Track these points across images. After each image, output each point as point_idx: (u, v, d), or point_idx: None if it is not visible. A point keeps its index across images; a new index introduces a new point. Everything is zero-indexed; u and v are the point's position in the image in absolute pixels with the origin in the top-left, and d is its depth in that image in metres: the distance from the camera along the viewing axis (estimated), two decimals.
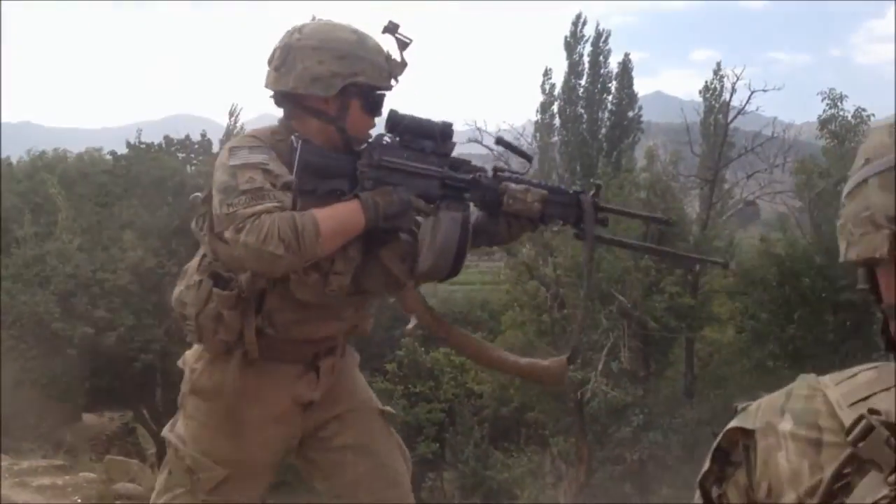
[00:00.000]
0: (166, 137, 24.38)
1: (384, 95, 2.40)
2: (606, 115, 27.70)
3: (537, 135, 26.62)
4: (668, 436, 15.26)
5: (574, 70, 27.87)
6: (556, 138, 27.18)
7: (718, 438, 1.24)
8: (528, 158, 2.63)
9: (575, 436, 16.69)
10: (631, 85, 28.55)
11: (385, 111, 2.40)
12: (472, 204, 2.42)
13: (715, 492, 1.24)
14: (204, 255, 2.39)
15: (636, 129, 27.76)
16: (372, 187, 2.29)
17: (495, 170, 2.44)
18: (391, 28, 2.36)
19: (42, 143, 35.26)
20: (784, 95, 22.07)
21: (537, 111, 27.98)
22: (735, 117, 20.28)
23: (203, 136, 25.34)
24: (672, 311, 15.79)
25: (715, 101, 22.99)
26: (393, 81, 2.38)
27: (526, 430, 19.10)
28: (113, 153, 24.34)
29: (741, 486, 1.18)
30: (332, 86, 2.29)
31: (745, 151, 20.35)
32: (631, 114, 28.02)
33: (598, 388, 15.15)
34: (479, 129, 19.78)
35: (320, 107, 2.33)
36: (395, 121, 2.36)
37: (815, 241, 16.02)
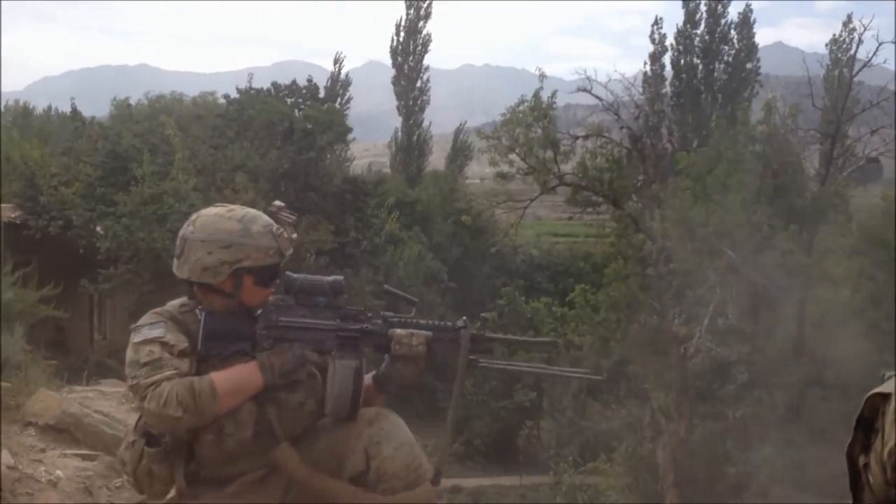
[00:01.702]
0: (275, 83, 24.78)
1: (277, 267, 2.67)
2: (723, 66, 26.77)
3: (645, 85, 25.95)
4: (774, 395, 14.89)
5: (691, 19, 26.97)
6: (666, 89, 26.45)
7: (861, 406, 1.17)
8: (413, 303, 2.74)
9: (676, 391, 16.42)
10: (751, 35, 27.50)
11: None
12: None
13: (862, 460, 1.19)
14: (140, 417, 2.66)
15: (754, 81, 26.79)
16: (271, 346, 2.59)
17: (384, 316, 2.66)
18: (274, 211, 2.71)
19: (158, 86, 36.45)
20: None
21: (645, 62, 27.30)
22: (860, 70, 19.28)
23: (310, 81, 25.65)
24: (784, 268, 15.27)
25: (842, 53, 21.94)
26: (284, 254, 2.67)
27: (626, 382, 18.89)
28: (226, 97, 24.91)
29: (878, 453, 1.12)
30: (220, 273, 2.60)
31: (870, 106, 19.33)
32: (749, 65, 27.04)
33: (703, 343, 14.83)
34: (588, 78, 19.33)
35: (217, 287, 2.62)
36: (290, 282, 2.68)
37: None
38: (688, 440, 16.13)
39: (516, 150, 19.71)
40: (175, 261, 2.68)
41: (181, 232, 2.69)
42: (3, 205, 18.61)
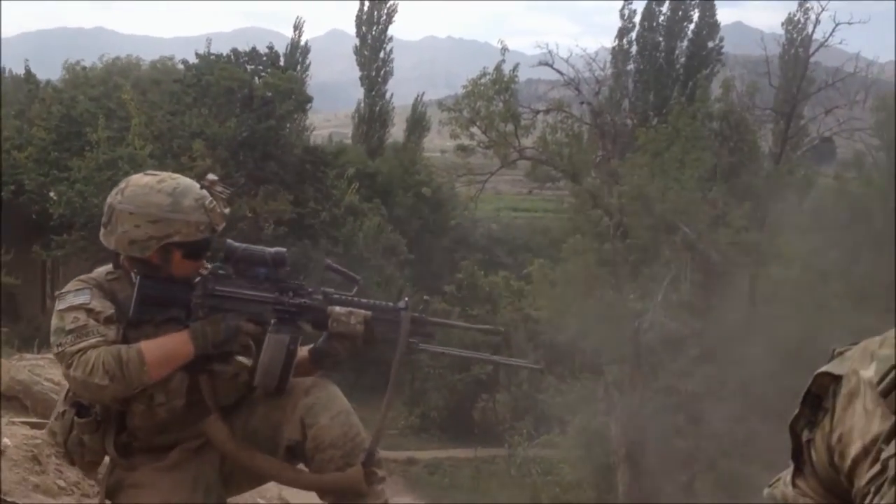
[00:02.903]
0: (235, 50, 24.45)
1: (208, 241, 2.58)
2: (686, 44, 26.93)
3: (612, 61, 25.99)
4: (725, 370, 15.16)
5: None
6: (630, 66, 26.55)
7: (809, 382, 1.19)
8: (356, 281, 2.69)
9: (629, 365, 16.66)
10: (713, 14, 27.66)
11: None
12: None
13: (805, 436, 1.21)
14: (70, 386, 2.59)
15: (715, 59, 26.97)
16: (206, 315, 2.52)
17: (324, 293, 2.61)
18: (207, 185, 2.59)
19: (115, 50, 35.74)
20: (869, 30, 21.13)
21: (615, 37, 27.31)
22: (816, 50, 19.54)
23: (270, 48, 25.33)
24: (737, 246, 15.51)
25: (797, 33, 22.17)
26: (217, 228, 2.57)
27: (581, 356, 19.12)
28: (184, 62, 24.53)
29: (825, 433, 1.14)
30: (147, 247, 2.51)
31: (825, 86, 19.61)
32: (711, 44, 27.19)
33: (657, 318, 15.03)
34: (550, 52, 19.36)
35: (144, 259, 2.53)
36: (230, 252, 2.61)
37: (892, 181, 15.49)
38: (640, 413, 16.39)
39: (477, 123, 19.71)
40: (102, 228, 2.58)
41: (109, 199, 2.58)
42: None
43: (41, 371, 5.78)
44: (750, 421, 14.62)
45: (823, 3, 19.63)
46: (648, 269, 16.09)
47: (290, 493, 3.22)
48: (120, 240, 2.52)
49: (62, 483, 4.44)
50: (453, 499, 15.82)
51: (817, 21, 19.35)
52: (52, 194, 18.83)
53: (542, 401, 21.05)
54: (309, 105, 24.90)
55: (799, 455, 1.30)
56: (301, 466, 2.68)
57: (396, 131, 36.82)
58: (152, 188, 2.53)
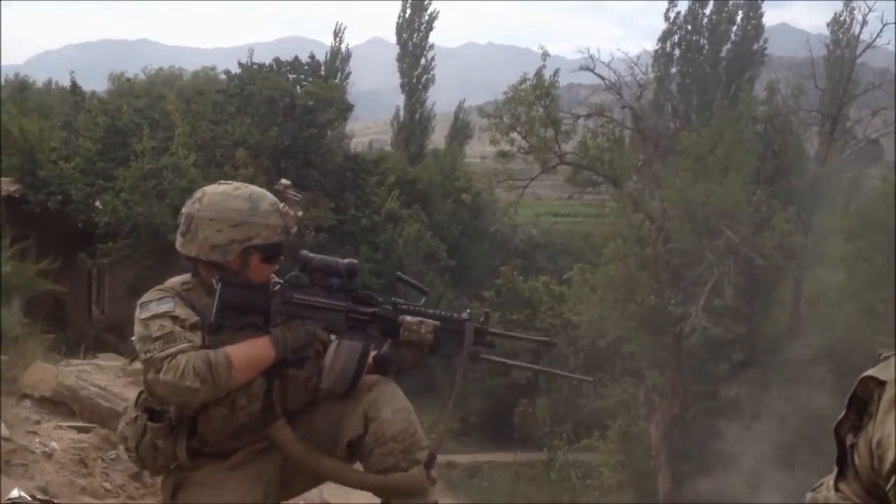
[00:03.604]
0: (276, 59, 24.68)
1: (282, 244, 2.69)
2: (729, 46, 26.61)
3: (655, 65, 25.74)
4: (768, 374, 14.96)
5: None
6: (673, 69, 26.31)
7: (854, 386, 1.19)
8: (424, 292, 2.79)
9: (671, 369, 16.50)
10: (758, 15, 27.30)
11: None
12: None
13: (850, 440, 1.20)
14: (141, 392, 2.68)
15: (759, 61, 26.62)
16: (283, 322, 2.62)
17: (394, 303, 2.71)
18: (280, 189, 2.71)
19: (158, 61, 36.27)
20: None
21: (658, 40, 27.05)
22: (863, 51, 19.23)
23: (312, 57, 25.53)
24: (782, 249, 15.30)
25: (843, 34, 21.83)
26: (290, 231, 2.68)
27: (621, 361, 18.98)
28: (227, 72, 24.82)
29: (869, 437, 1.14)
30: (229, 251, 2.61)
31: (872, 87, 19.30)
32: (756, 46, 26.85)
33: (699, 323, 14.87)
34: (591, 57, 19.30)
35: (224, 264, 2.63)
36: (306, 261, 2.70)
37: None
38: (681, 418, 16.23)
39: (517, 129, 19.69)
40: (179, 237, 2.68)
41: (186, 209, 2.68)
42: (2, 178, 18.59)
43: (87, 377, 5.90)
44: (794, 425, 14.41)
45: (870, 3, 19.31)
46: (690, 274, 15.93)
47: (330, 494, 3.25)
48: (202, 246, 2.62)
49: (108, 486, 4.53)
50: (493, 500, 15.77)
51: (864, 21, 19.08)
52: (97, 203, 19.11)
53: (581, 405, 20.93)
54: (350, 113, 25.03)
55: (843, 459, 1.29)
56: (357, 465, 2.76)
57: (437, 138, 36.86)
58: (230, 195, 2.65)
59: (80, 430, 4.99)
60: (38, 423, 5.07)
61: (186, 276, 2.71)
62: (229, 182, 2.76)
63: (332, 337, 2.70)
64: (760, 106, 19.20)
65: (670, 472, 15.99)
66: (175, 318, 2.51)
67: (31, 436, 4.70)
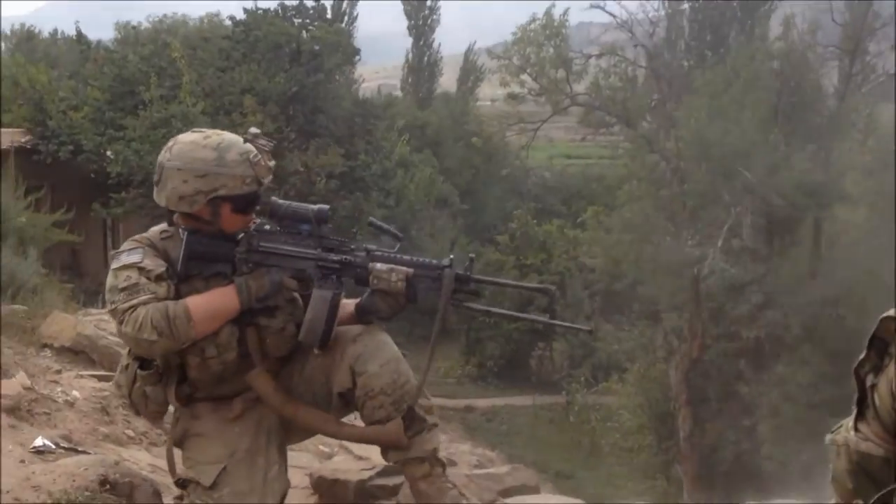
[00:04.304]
0: (282, 3, 24.29)
1: (256, 194, 2.62)
2: None
3: (667, 1, 25.25)
4: (788, 315, 14.88)
5: None
6: (685, 5, 25.77)
7: (875, 327, 1.11)
8: (398, 238, 2.70)
9: (689, 312, 16.44)
10: None
11: None
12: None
13: (870, 380, 1.15)
14: None
15: None
16: (250, 270, 2.59)
17: (367, 249, 2.66)
18: (250, 139, 2.63)
19: (161, 8, 35.93)
20: None
21: None
22: None
23: (317, 1, 25.11)
24: (800, 188, 15.10)
25: None
26: (262, 181, 2.60)
27: (638, 304, 18.95)
28: (232, 18, 24.46)
29: (890, 378, 1.08)
30: (195, 202, 2.57)
31: (892, 21, 18.86)
32: None
33: (717, 264, 14.76)
34: None
35: (195, 214, 2.60)
36: (274, 209, 2.66)
37: None
38: (700, 360, 16.23)
39: (528, 70, 19.44)
40: (154, 187, 2.67)
41: (159, 158, 2.66)
42: (13, 129, 18.50)
43: (106, 326, 5.86)
44: (815, 366, 14.38)
45: None
46: (707, 215, 15.78)
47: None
48: (170, 196, 2.59)
49: (130, 433, 4.50)
50: (512, 444, 15.92)
51: None
52: (108, 153, 19.06)
53: (599, 349, 20.97)
54: (357, 57, 24.72)
55: (863, 400, 1.24)
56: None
57: (445, 81, 36.51)
58: (198, 144, 2.61)
59: (100, 378, 4.95)
60: (58, 372, 5.03)
61: (165, 225, 2.70)
62: (201, 130, 2.70)
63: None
64: (776, 42, 18.84)
65: (690, 414, 16.03)
66: (142, 270, 2.51)
67: (52, 385, 4.66)
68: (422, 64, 35.01)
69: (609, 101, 18.63)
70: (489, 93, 37.79)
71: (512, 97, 20.46)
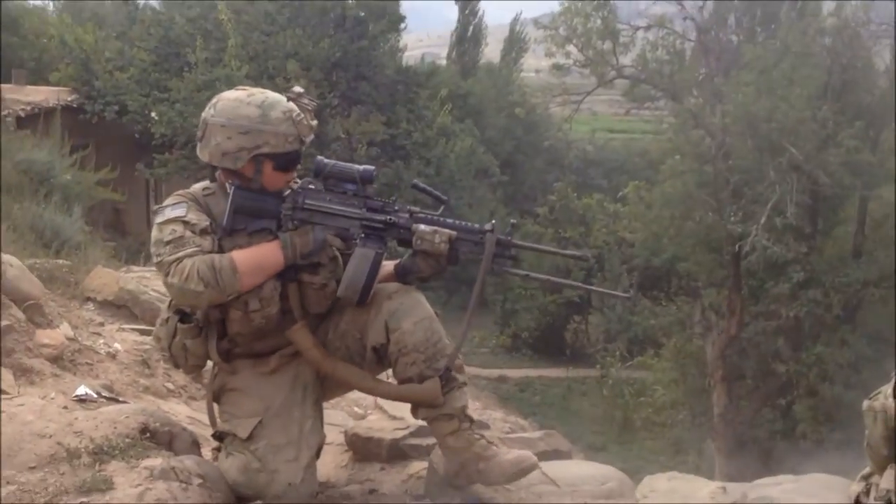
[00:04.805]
0: None
1: (297, 153, 2.68)
2: None
3: None
4: (830, 295, 14.67)
5: None
6: None
7: None
8: (442, 201, 2.74)
9: (728, 289, 16.27)
10: None
11: None
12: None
13: None
14: None
15: None
16: (295, 227, 2.64)
17: (410, 211, 2.70)
18: (293, 97, 2.70)
19: None
20: None
21: None
22: None
23: None
24: (848, 167, 14.80)
25: None
26: (304, 140, 2.67)
27: (677, 280, 18.80)
28: None
29: None
30: (239, 159, 2.62)
31: None
32: None
33: (759, 242, 14.56)
34: None
35: (238, 171, 2.66)
36: (320, 167, 2.70)
37: None
38: (737, 337, 16.09)
39: (574, 42, 19.20)
40: (198, 143, 2.72)
41: (203, 114, 2.71)
42: (59, 88, 18.72)
43: (147, 282, 5.96)
44: (854, 347, 14.19)
45: None
46: (751, 192, 15.53)
47: (385, 400, 3.26)
48: (213, 152, 2.65)
49: (170, 386, 4.59)
50: (544, 415, 15.97)
51: None
52: (153, 114, 19.22)
53: (635, 323, 20.87)
54: (403, 25, 24.60)
55: None
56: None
57: (490, 52, 36.27)
58: (242, 101, 2.66)
59: (141, 332, 5.05)
60: (101, 325, 5.13)
61: (207, 182, 2.77)
62: (245, 88, 2.74)
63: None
64: (829, 18, 18.40)
65: (725, 390, 15.92)
66: (186, 223, 2.57)
67: (95, 337, 4.76)
68: (466, 33, 34.81)
69: (655, 75, 18.36)
70: (534, 63, 37.50)
71: (557, 68, 20.23)
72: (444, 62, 34.76)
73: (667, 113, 19.77)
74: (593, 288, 3.78)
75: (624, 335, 21.97)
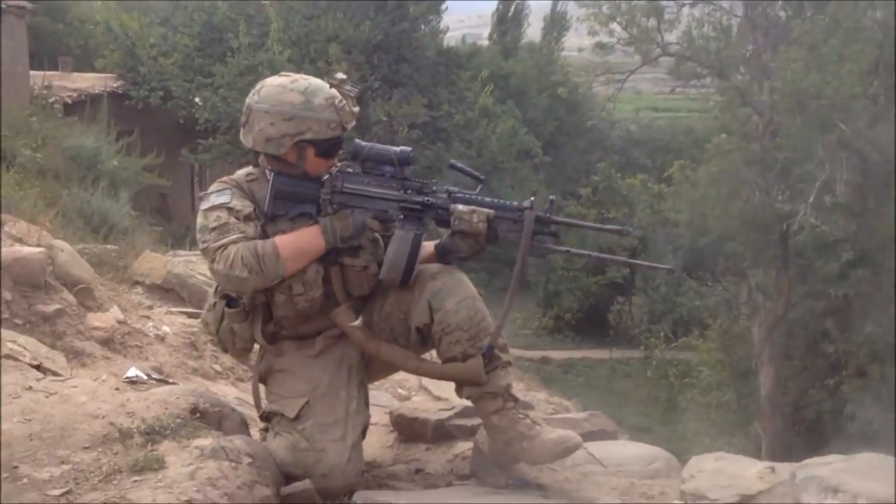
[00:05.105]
0: None
1: (339, 139, 2.72)
2: None
3: None
4: (880, 274, 14.38)
5: None
6: None
7: None
8: (479, 180, 2.75)
9: (776, 269, 16.03)
10: None
11: None
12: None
13: None
14: None
15: None
16: (334, 211, 2.68)
17: (448, 191, 2.71)
18: (335, 84, 2.72)
19: None
20: None
21: None
22: None
23: None
24: None
25: None
26: (346, 126, 2.70)
27: (723, 260, 18.57)
28: None
29: None
30: (282, 145, 2.67)
31: None
32: None
33: (807, 221, 14.31)
34: None
35: (281, 157, 2.70)
36: (357, 150, 2.73)
37: None
38: (785, 318, 15.86)
39: (617, 19, 18.98)
40: (241, 129, 2.76)
41: (247, 100, 2.75)
42: (106, 75, 18.98)
43: (194, 266, 6.05)
44: None
45: None
46: (800, 170, 15.26)
47: (430, 381, 3.29)
48: (257, 138, 2.70)
49: (218, 368, 4.66)
50: (588, 397, 15.90)
51: None
52: (197, 100, 19.41)
53: (680, 304, 20.69)
54: (444, 6, 24.51)
55: None
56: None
57: (532, 31, 36.00)
58: (285, 87, 2.70)
59: (189, 315, 5.13)
60: (150, 308, 5.22)
61: (251, 168, 2.81)
62: (288, 74, 2.78)
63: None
64: None
65: (772, 371, 15.72)
66: (230, 210, 2.61)
67: (144, 320, 4.85)
68: (508, 13, 34.58)
69: (701, 52, 18.08)
70: (576, 42, 37.17)
71: (600, 46, 20.03)
72: (485, 43, 34.59)
73: (713, 91, 19.49)
74: (634, 261, 3.78)
75: (669, 316, 21.79)
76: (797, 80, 14.78)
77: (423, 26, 22.87)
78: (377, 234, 2.77)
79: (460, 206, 2.67)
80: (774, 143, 15.71)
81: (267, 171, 2.73)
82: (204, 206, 2.66)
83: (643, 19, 18.26)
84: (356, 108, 2.76)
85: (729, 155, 16.31)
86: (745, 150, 16.21)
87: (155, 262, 6.00)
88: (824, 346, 15.18)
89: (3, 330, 3.60)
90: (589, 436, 3.04)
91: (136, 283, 5.77)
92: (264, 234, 2.64)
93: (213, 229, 2.58)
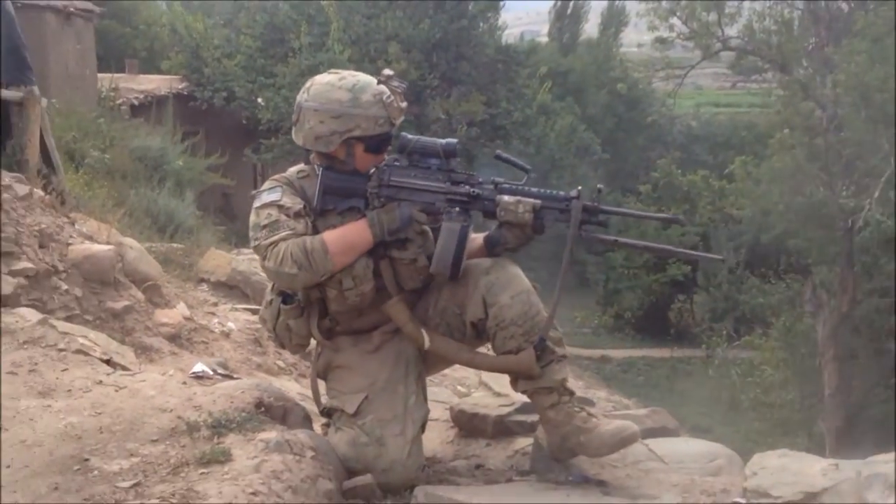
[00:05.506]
0: None
1: (388, 135, 2.74)
2: None
3: None
4: None
5: None
6: None
7: None
8: (526, 171, 2.76)
9: (840, 265, 15.69)
10: None
11: None
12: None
13: None
14: None
15: None
16: (381, 205, 2.70)
17: (494, 182, 2.71)
18: (383, 80, 2.73)
19: None
20: None
21: None
22: None
23: None
24: None
25: None
26: (394, 122, 2.72)
27: (786, 257, 18.21)
28: None
29: None
30: (331, 142, 2.71)
31: None
32: None
33: (872, 216, 13.98)
34: None
35: (331, 154, 2.73)
36: (404, 143, 2.75)
37: None
38: (850, 315, 15.52)
39: (677, 13, 18.76)
40: (293, 127, 2.81)
41: (297, 98, 2.78)
42: (171, 77, 19.35)
43: (257, 264, 6.15)
44: None
45: None
46: (864, 164, 14.91)
47: (489, 377, 3.32)
48: (307, 136, 2.73)
49: (281, 364, 4.75)
50: (648, 396, 15.73)
51: None
52: (259, 100, 19.66)
53: (743, 302, 20.36)
54: (502, 4, 24.47)
55: None
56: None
57: (591, 27, 35.73)
58: (333, 85, 2.73)
59: (253, 311, 5.23)
60: (215, 304, 5.34)
61: (302, 165, 2.84)
62: (337, 71, 2.80)
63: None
64: None
65: (836, 370, 15.39)
66: (281, 207, 2.64)
67: (209, 316, 4.96)
68: (566, 9, 34.37)
69: (763, 46, 17.78)
70: (635, 38, 36.81)
71: (660, 42, 19.81)
72: (543, 39, 34.44)
73: (775, 85, 19.14)
74: (683, 251, 3.55)
75: (731, 314, 21.44)
76: (861, 73, 14.44)
77: (481, 24, 22.83)
78: (425, 227, 2.78)
79: (506, 197, 2.67)
80: (838, 138, 15.38)
81: (316, 167, 2.77)
82: (256, 203, 2.70)
83: (703, 13, 18.02)
84: (404, 104, 2.78)
85: (792, 150, 16.02)
86: (809, 145, 15.90)
87: (220, 260, 6.13)
88: (890, 344, 14.79)
89: (75, 325, 3.72)
90: (650, 433, 3.03)
91: (202, 280, 5.90)
92: (315, 230, 2.68)
93: (264, 227, 2.62)
